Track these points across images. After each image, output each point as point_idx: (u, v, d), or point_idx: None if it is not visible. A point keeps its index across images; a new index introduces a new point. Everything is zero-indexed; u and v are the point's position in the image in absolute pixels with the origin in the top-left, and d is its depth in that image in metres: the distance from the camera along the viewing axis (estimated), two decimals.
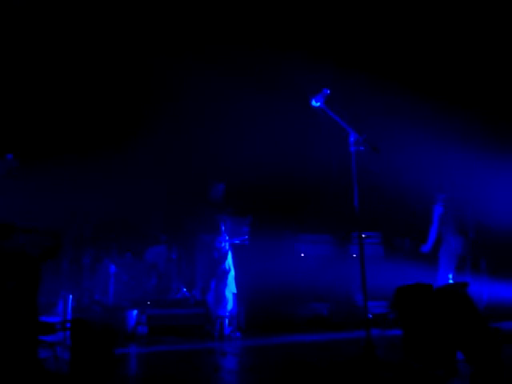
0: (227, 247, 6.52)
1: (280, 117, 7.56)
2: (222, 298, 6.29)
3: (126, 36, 7.30)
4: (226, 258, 6.46)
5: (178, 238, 7.51)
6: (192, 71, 7.59)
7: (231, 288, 6.40)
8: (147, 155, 7.71)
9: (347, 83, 6.89)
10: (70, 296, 5.97)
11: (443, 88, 7.73)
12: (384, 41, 7.92)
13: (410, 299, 3.81)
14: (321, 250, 7.86)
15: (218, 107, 7.66)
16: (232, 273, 6.46)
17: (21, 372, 2.55)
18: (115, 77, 7.53)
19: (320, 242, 7.92)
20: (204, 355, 4.96)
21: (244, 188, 7.32)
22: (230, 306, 6.30)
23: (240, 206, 6.72)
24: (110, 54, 7.39)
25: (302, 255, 7.81)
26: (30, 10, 6.73)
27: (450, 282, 6.31)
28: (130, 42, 7.37)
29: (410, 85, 7.47)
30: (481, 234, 6.84)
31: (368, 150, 3.84)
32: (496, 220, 6.96)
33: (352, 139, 3.88)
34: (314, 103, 3.95)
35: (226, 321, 6.20)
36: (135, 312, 6.23)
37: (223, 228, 6.45)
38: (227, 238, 6.51)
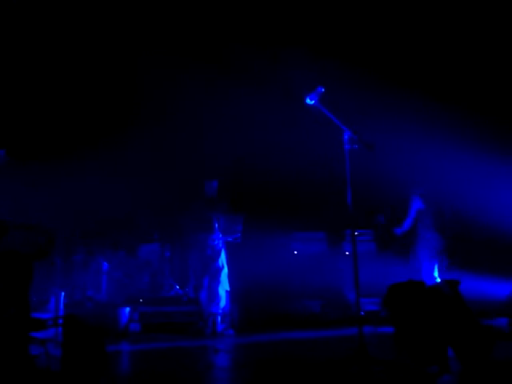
0: (220, 245, 6.51)
1: (274, 114, 7.55)
2: (215, 296, 6.29)
3: (119, 33, 7.27)
4: (219, 255, 6.45)
5: (171, 235, 7.49)
6: (185, 68, 7.57)
7: (224, 285, 6.40)
8: (140, 152, 7.68)
9: (339, 79, 6.90)
10: (62, 293, 5.95)
11: (421, 82, 7.77)
12: (379, 38, 7.95)
13: (402, 297, 3.83)
14: (314, 247, 7.87)
15: (212, 104, 7.64)
16: (225, 270, 6.46)
17: (12, 369, 2.54)
18: (108, 72, 7.49)
19: (313, 239, 7.94)
20: (197, 352, 4.96)
21: (238, 185, 7.32)
22: (222, 303, 6.30)
23: (233, 203, 6.72)
24: (103, 49, 7.35)
25: (296, 253, 7.82)
26: (22, 7, 6.69)
27: (437, 278, 6.37)
28: (122, 39, 7.33)
29: (391, 78, 7.53)
30: (458, 230, 6.98)
31: (362, 148, 3.85)
32: (474, 216, 7.08)
33: (346, 137, 3.88)
34: (308, 101, 3.95)
35: (219, 318, 6.20)
36: (128, 309, 6.23)
37: (216, 225, 6.44)
38: (221, 235, 6.50)
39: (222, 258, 6.47)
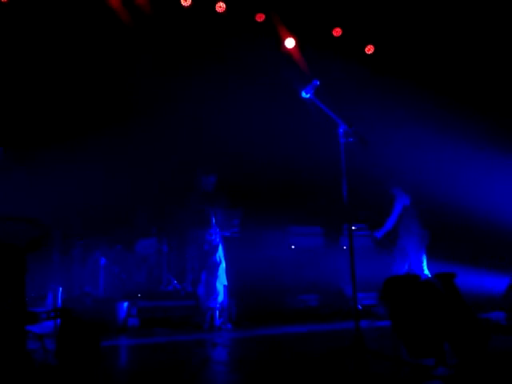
0: (218, 239, 6.52)
1: (271, 108, 7.54)
2: (212, 290, 6.30)
3: (114, 28, 7.24)
4: (216, 250, 6.45)
5: (168, 230, 7.49)
6: (183, 62, 7.56)
7: (222, 280, 6.40)
8: (138, 147, 7.67)
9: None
10: (60, 288, 5.96)
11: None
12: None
13: (399, 290, 3.84)
14: (311, 242, 7.87)
15: (210, 98, 7.62)
16: (223, 265, 6.46)
17: (8, 363, 2.54)
18: (102, 65, 7.45)
19: (310, 234, 7.94)
20: (194, 347, 4.97)
21: (235, 180, 7.31)
22: (220, 298, 6.31)
23: (231, 198, 6.72)
24: (99, 43, 7.31)
25: (293, 247, 7.82)
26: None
27: (425, 270, 6.40)
28: (118, 34, 7.30)
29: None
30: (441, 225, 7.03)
31: (357, 141, 3.84)
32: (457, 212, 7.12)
33: (341, 131, 3.87)
34: (303, 94, 3.93)
35: (217, 312, 6.21)
36: (126, 304, 6.23)
37: (214, 220, 6.45)
38: (218, 230, 6.51)
39: (220, 253, 6.48)
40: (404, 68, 7.79)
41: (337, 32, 7.94)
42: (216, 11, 7.44)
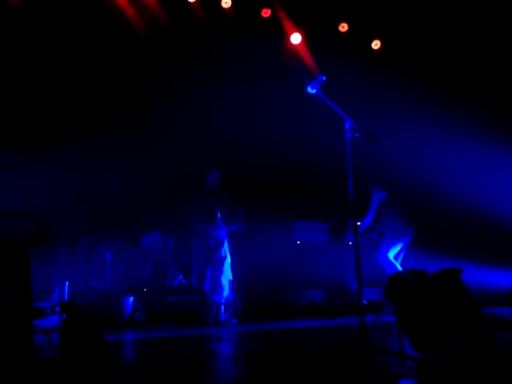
0: (223, 235, 6.53)
1: (276, 103, 7.53)
2: (218, 285, 6.32)
3: (115, 24, 7.22)
4: (222, 245, 6.47)
5: (174, 225, 7.50)
6: (189, 56, 7.54)
7: (227, 275, 6.42)
8: (143, 142, 7.68)
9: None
10: (67, 283, 6.01)
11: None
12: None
13: (404, 286, 3.84)
14: (317, 237, 7.87)
15: (215, 94, 7.61)
16: (228, 260, 6.48)
17: (14, 357, 2.56)
18: (107, 59, 7.44)
19: (316, 229, 7.93)
20: (199, 341, 4.99)
21: (240, 175, 7.31)
22: (226, 292, 6.34)
23: (236, 193, 6.72)
24: (101, 42, 7.30)
25: (298, 242, 7.82)
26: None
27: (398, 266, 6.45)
28: (120, 30, 7.28)
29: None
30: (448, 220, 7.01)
31: (363, 137, 3.83)
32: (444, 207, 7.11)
33: (348, 126, 3.86)
34: (309, 90, 3.92)
35: (222, 307, 6.24)
36: (131, 299, 6.27)
37: (219, 215, 6.46)
38: (223, 225, 6.52)
39: (225, 248, 6.49)
40: (411, 63, 7.73)
41: (343, 27, 7.92)
42: (221, 7, 7.43)
